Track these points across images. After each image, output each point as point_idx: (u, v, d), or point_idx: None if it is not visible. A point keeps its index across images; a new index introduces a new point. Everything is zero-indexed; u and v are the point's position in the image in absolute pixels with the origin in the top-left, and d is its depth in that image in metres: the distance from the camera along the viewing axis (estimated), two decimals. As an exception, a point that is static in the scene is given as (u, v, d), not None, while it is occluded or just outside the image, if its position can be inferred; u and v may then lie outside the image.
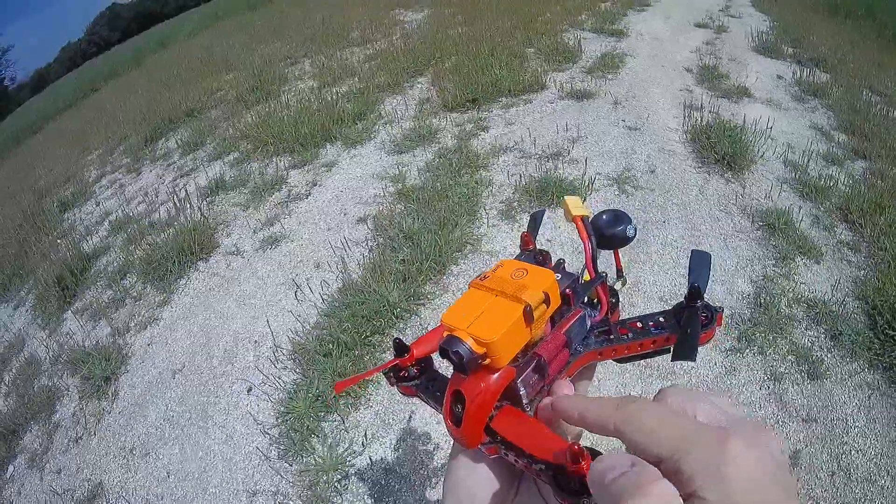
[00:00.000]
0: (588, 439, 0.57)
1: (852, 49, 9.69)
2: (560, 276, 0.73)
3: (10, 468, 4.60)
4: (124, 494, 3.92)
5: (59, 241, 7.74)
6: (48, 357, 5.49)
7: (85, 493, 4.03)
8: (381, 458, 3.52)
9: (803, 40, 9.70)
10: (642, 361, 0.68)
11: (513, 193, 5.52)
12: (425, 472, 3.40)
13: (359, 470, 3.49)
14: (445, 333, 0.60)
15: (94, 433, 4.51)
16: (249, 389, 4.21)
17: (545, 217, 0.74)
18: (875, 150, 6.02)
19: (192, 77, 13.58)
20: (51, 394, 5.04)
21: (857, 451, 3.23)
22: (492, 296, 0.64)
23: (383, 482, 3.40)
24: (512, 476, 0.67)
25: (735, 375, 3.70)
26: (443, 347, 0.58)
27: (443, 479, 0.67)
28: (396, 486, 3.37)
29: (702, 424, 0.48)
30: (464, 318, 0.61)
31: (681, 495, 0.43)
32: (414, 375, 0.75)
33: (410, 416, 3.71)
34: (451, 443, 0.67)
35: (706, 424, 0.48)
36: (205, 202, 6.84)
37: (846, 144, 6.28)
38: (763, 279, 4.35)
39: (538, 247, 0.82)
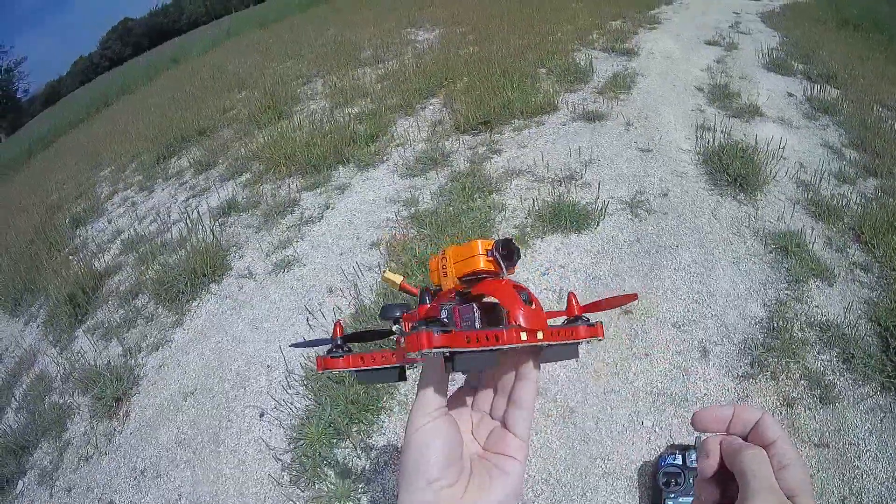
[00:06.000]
0: None
1: (862, 64, 9.70)
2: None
3: (20, 484, 4.61)
4: (135, 516, 3.92)
5: (70, 257, 7.77)
6: (59, 374, 5.50)
7: (95, 513, 4.02)
8: (394, 486, 3.51)
9: (813, 56, 9.70)
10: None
11: (526, 218, 5.52)
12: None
13: (372, 497, 3.48)
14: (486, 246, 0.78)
15: (105, 453, 4.51)
16: (262, 414, 4.21)
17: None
18: (886, 167, 6.02)
19: (204, 95, 13.65)
20: (61, 411, 5.04)
21: (869, 476, 3.22)
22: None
23: (396, 510, 3.39)
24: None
25: (748, 401, 3.68)
26: (508, 245, 0.76)
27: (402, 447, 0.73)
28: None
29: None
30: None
31: None
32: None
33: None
34: (412, 413, 0.76)
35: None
36: (217, 223, 6.87)
37: (858, 162, 6.28)
38: (776, 303, 4.34)
39: None
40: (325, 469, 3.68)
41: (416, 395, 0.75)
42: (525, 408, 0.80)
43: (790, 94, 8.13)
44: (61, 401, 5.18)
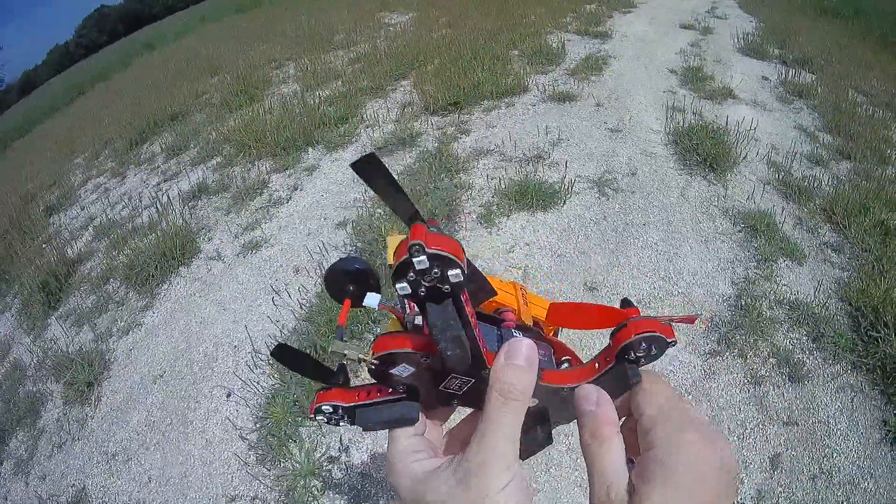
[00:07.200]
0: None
1: (839, 50, 9.74)
2: None
3: (-4, 475, 4.58)
4: (107, 500, 3.91)
5: (44, 245, 7.71)
6: (33, 363, 5.46)
7: (69, 499, 4.02)
8: (358, 463, 3.53)
9: (790, 41, 9.73)
10: None
11: (492, 197, 5.53)
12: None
13: (335, 475, 3.49)
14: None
15: (78, 439, 4.49)
16: (228, 395, 4.21)
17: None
18: (860, 150, 6.04)
19: (177, 80, 13.52)
20: (35, 399, 5.02)
21: (840, 454, 3.25)
22: None
23: (360, 487, 3.40)
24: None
25: (714, 379, 3.70)
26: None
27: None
28: (373, 491, 3.37)
29: (683, 409, 0.61)
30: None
31: (641, 449, 0.59)
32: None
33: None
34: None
35: (687, 410, 0.60)
36: (187, 207, 6.85)
37: (831, 145, 6.31)
38: (744, 281, 4.37)
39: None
40: (291, 447, 3.68)
41: (492, 434, 0.61)
42: None
43: (765, 78, 8.16)
44: (35, 389, 5.15)
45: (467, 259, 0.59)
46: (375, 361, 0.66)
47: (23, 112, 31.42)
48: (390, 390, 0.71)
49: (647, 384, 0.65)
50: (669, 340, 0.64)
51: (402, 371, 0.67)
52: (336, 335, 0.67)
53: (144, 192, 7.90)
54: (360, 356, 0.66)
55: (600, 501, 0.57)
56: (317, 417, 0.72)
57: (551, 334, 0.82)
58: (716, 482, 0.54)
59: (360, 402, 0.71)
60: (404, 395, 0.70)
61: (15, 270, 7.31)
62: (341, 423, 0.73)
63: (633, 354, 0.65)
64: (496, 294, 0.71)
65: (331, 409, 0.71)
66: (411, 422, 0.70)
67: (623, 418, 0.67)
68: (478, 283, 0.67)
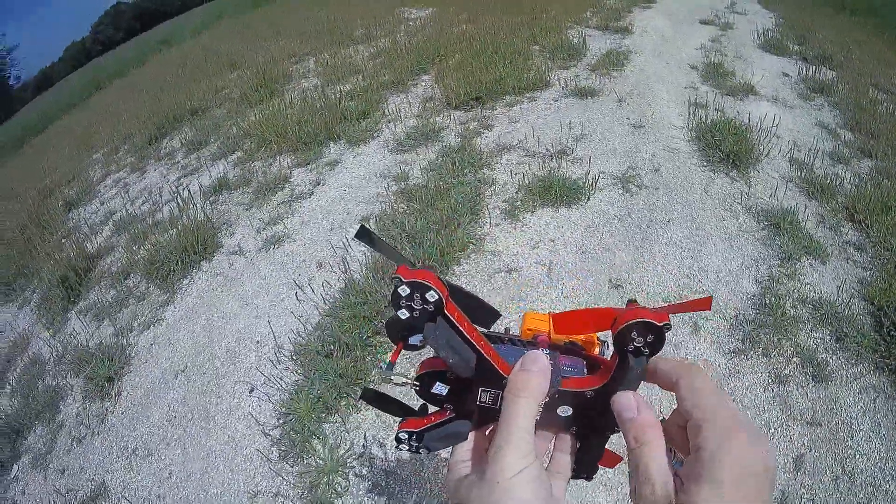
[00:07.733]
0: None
1: (858, 46, 9.67)
2: None
3: (15, 468, 4.60)
4: (126, 495, 3.90)
5: (63, 240, 7.73)
6: (52, 357, 5.49)
7: (88, 493, 4.02)
8: (382, 460, 3.51)
9: (809, 38, 9.67)
10: None
11: (516, 192, 5.51)
12: (425, 475, 3.38)
13: (359, 472, 3.48)
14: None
15: (97, 433, 4.50)
16: (251, 390, 4.19)
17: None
18: (882, 148, 5.99)
19: (196, 75, 13.59)
20: (55, 394, 5.03)
21: (862, 455, 3.22)
22: None
23: (383, 484, 3.38)
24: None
25: (739, 378, 3.67)
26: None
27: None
28: (396, 489, 3.35)
29: (730, 407, 0.61)
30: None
31: (691, 448, 0.61)
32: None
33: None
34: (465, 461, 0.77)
35: (734, 411, 0.61)
36: (208, 202, 6.86)
37: (852, 143, 6.26)
38: (768, 279, 4.33)
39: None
40: (314, 444, 3.67)
41: (506, 427, 0.68)
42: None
43: (785, 75, 8.10)
44: (54, 383, 5.18)
45: (461, 288, 0.75)
46: (416, 383, 0.78)
47: (40, 109, 31.61)
48: (448, 412, 0.79)
49: (690, 380, 0.66)
50: (661, 324, 0.66)
51: (441, 389, 0.78)
52: (387, 367, 0.74)
53: (165, 186, 7.93)
54: (404, 380, 0.77)
55: (644, 498, 0.62)
56: (399, 446, 0.80)
57: (595, 352, 0.95)
58: (759, 483, 0.57)
59: (425, 426, 0.79)
60: (455, 415, 0.79)
61: (34, 265, 7.35)
62: (420, 450, 0.80)
63: (631, 346, 0.68)
64: (500, 315, 0.82)
65: (406, 436, 0.79)
66: (462, 437, 0.79)
67: (665, 417, 0.70)
68: (478, 307, 0.78)
